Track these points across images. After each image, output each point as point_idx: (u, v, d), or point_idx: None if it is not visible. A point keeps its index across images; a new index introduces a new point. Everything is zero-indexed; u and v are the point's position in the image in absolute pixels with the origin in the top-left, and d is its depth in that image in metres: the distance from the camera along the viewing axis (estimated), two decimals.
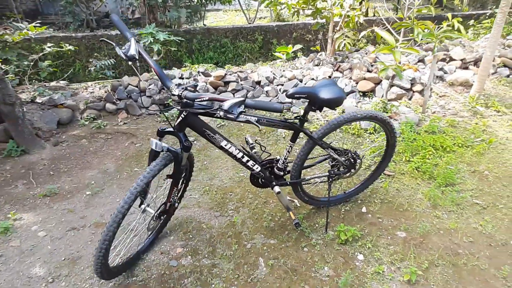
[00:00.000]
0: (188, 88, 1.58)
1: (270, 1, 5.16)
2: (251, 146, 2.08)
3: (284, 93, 4.43)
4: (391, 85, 4.36)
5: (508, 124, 3.72)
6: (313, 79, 4.56)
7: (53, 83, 4.67)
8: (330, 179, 2.28)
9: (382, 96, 4.12)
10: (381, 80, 4.39)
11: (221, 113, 1.50)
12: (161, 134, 1.73)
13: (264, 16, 10.46)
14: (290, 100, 4.27)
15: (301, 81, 4.58)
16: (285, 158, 2.12)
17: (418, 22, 3.31)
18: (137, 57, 1.60)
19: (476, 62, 5.05)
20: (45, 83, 4.43)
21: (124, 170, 3.09)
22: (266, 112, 3.90)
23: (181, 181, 2.16)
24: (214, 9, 12.24)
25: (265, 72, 4.70)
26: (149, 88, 4.31)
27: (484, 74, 4.11)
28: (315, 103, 1.90)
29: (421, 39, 3.10)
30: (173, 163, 1.80)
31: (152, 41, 4.85)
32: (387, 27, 3.74)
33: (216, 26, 8.82)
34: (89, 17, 8.40)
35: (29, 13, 9.84)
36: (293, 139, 2.06)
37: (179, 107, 1.62)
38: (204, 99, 1.53)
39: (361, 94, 4.44)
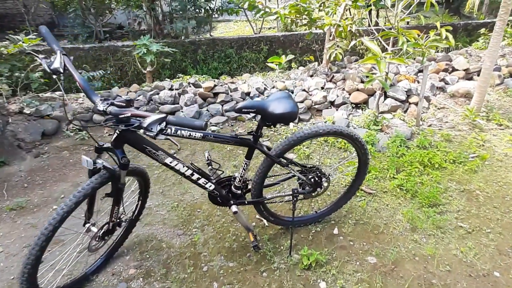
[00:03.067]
0: (116, 103, 1.49)
1: (264, 12, 5.08)
2: (207, 162, 1.97)
3: None
4: (386, 97, 4.17)
5: (509, 139, 3.47)
6: (304, 90, 4.43)
7: (47, 94, 4.72)
8: (294, 199, 2.14)
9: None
10: (375, 91, 4.21)
11: (141, 130, 1.40)
12: (99, 150, 1.64)
13: (273, 27, 10.45)
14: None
15: (292, 92, 4.46)
16: (241, 176, 1.99)
17: (406, 32, 3.14)
18: (61, 71, 1.53)
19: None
20: (38, 94, 4.48)
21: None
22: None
23: (139, 198, 2.09)
24: (225, 20, 12.34)
25: (256, 83, 4.60)
26: (137, 99, 4.28)
27: (484, 86, 3.87)
28: (266, 118, 1.79)
29: (406, 49, 2.92)
30: (115, 181, 1.70)
31: (145, 52, 4.85)
32: (375, 37, 3.59)
33: (221, 36, 8.85)
34: (98, 29, 8.61)
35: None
36: (248, 156, 1.93)
37: (110, 123, 1.53)
38: (126, 115, 1.43)
39: (354, 105, 4.27)
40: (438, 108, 4.27)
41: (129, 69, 6.82)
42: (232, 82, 4.77)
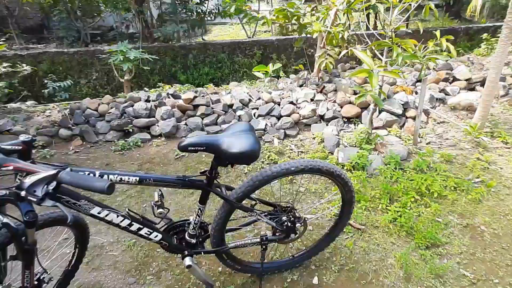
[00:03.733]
0: (3, 147, 1.12)
1: (251, 17, 4.74)
2: (156, 204, 1.60)
3: (259, 118, 3.95)
4: (381, 110, 3.81)
5: None
6: (291, 102, 4.07)
7: (15, 105, 4.37)
8: (263, 246, 1.77)
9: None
10: (369, 105, 3.84)
11: (23, 193, 1.02)
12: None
13: (268, 30, 10.09)
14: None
15: (278, 104, 4.09)
16: (195, 223, 1.63)
17: (401, 42, 2.78)
18: None
19: (484, 82, 4.43)
20: (4, 106, 4.13)
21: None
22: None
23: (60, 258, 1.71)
24: (220, 23, 11.99)
25: (240, 94, 4.24)
26: (109, 113, 3.92)
27: (489, 99, 3.51)
28: (220, 158, 1.42)
29: (401, 61, 2.56)
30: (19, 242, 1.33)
31: (121, 59, 4.49)
32: (368, 46, 3.22)
33: (213, 40, 8.49)
34: (84, 32, 8.26)
35: (36, 28, 9.82)
36: (202, 200, 1.57)
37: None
38: (8, 168, 1.06)
39: (345, 120, 3.91)
40: (438, 123, 3.91)
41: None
42: (215, 93, 4.41)
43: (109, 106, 4.00)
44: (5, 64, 4.10)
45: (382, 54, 3.29)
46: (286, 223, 1.76)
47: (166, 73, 7.23)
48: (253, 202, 1.74)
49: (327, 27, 3.89)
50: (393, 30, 2.87)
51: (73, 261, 1.78)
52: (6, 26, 8.02)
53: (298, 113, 3.92)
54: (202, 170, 1.54)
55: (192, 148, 1.38)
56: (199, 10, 7.77)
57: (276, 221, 1.75)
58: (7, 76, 4.12)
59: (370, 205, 2.57)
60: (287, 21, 4.44)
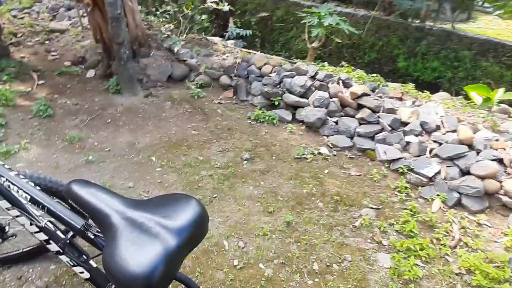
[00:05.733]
0: None
1: None
2: None
3: (433, 158, 2.65)
4: None
5: None
6: (500, 160, 2.47)
7: (218, 39, 4.64)
8: None
9: None
10: None
11: None
12: None
13: None
14: None
15: (478, 152, 2.58)
16: None
17: None
18: None
19: None
20: (198, 37, 4.42)
21: (146, 154, 2.67)
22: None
23: None
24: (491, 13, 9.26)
25: (428, 114, 2.94)
26: (269, 76, 3.55)
27: None
28: None
29: None
30: None
31: (315, 23, 3.93)
32: None
33: (463, 31, 6.50)
34: None
35: None
36: None
37: None
38: None
39: None
40: None
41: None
42: (400, 99, 3.24)
43: (272, 69, 3.62)
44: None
45: None
46: None
47: (385, 52, 6.20)
48: None
49: None
50: None
51: None
52: None
53: (501, 182, 2.36)
54: None
55: None
56: None
57: None
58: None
59: None
60: None
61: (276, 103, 3.37)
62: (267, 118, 3.22)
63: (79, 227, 0.93)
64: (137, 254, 0.67)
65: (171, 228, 0.72)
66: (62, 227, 1.02)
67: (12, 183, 0.99)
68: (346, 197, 2.40)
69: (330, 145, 2.98)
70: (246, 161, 2.71)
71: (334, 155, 2.87)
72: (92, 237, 0.91)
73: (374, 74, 3.63)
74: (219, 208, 2.23)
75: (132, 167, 2.51)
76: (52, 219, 1.00)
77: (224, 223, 2.12)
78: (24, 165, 2.37)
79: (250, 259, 1.89)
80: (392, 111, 3.04)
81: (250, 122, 3.23)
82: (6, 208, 1.02)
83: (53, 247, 0.98)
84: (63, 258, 0.98)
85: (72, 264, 0.96)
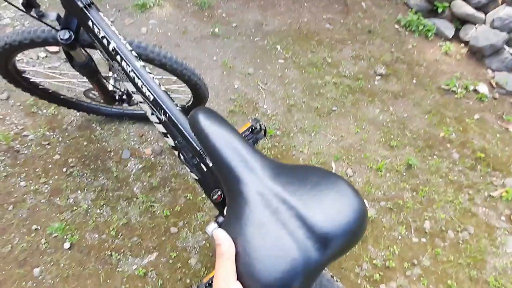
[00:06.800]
0: None
1: None
2: None
3: None
4: None
5: None
6: None
7: None
8: None
9: None
10: None
11: None
12: None
13: None
14: None
15: None
16: None
17: None
18: None
19: None
20: None
21: (272, 40, 2.41)
22: None
23: None
24: None
25: None
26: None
27: None
28: None
29: None
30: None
31: None
32: None
33: None
34: None
35: None
36: None
37: None
38: None
39: None
40: None
41: None
42: None
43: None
44: None
45: None
46: None
47: None
48: None
49: None
50: None
51: None
52: None
53: None
54: None
55: None
56: None
57: None
58: None
59: None
60: None
61: (440, 9, 2.61)
62: (420, 27, 2.56)
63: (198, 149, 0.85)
64: (267, 257, 0.48)
65: (317, 233, 0.50)
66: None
67: (138, 77, 0.91)
68: (493, 157, 1.93)
69: (493, 83, 2.31)
70: (379, 77, 2.29)
71: (495, 99, 2.24)
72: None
73: None
74: (336, 124, 2.00)
75: (255, 51, 2.33)
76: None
77: (337, 142, 1.92)
78: (156, 23, 2.35)
79: None
80: None
81: (397, 28, 2.62)
82: (131, 92, 0.96)
83: (170, 141, 0.93)
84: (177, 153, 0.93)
85: (184, 161, 0.91)
